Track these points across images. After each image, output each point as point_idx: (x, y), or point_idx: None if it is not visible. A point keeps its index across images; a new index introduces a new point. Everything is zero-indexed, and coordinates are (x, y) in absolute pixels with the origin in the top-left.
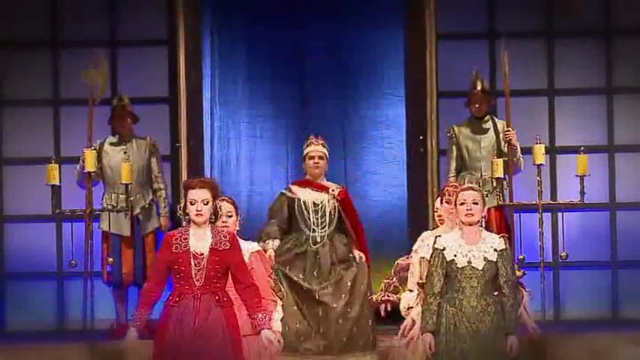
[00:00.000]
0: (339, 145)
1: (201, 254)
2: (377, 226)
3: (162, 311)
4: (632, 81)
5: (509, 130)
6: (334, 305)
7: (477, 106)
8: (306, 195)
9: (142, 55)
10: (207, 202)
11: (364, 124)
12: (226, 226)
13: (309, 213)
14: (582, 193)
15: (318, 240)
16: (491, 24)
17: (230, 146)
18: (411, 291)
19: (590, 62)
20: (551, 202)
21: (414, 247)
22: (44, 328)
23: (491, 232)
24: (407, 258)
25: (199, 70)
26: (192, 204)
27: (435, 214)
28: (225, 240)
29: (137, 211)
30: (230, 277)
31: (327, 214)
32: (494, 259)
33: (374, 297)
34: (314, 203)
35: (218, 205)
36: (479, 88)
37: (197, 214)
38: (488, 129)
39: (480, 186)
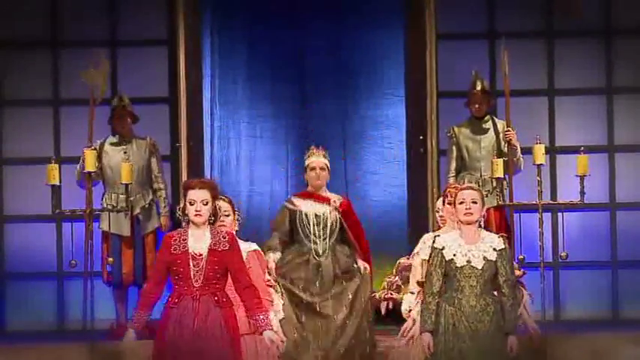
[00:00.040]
0: (339, 145)
1: (200, 255)
2: (377, 226)
3: (162, 312)
4: (632, 81)
5: (509, 130)
6: (334, 317)
7: (477, 106)
8: (307, 207)
9: (142, 55)
10: (207, 203)
11: (364, 124)
12: (223, 225)
13: (310, 225)
14: (582, 193)
15: (320, 252)
16: (491, 24)
17: (230, 146)
18: (412, 293)
19: (590, 62)
20: (551, 202)
21: (416, 250)
22: (44, 328)
23: (490, 232)
24: (409, 258)
25: (199, 70)
26: (191, 204)
27: (437, 215)
28: (225, 240)
29: (137, 211)
30: (230, 277)
31: (329, 225)
32: (494, 259)
33: (376, 294)
34: (315, 215)
35: (217, 206)
36: (479, 88)
37: (196, 215)
38: (488, 129)
39: (479, 186)
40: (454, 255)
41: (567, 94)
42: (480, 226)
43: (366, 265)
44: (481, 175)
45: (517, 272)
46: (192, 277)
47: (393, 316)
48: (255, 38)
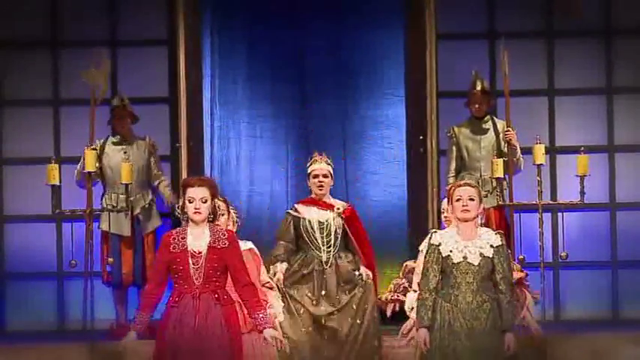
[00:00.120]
0: (339, 145)
1: (200, 253)
2: (377, 226)
3: (163, 311)
4: (632, 81)
5: (509, 130)
6: (340, 329)
7: (477, 106)
8: (311, 214)
9: (142, 55)
10: (206, 201)
11: (364, 124)
12: (217, 225)
13: (314, 232)
14: (582, 193)
15: (325, 260)
16: (491, 24)
17: (230, 146)
18: (415, 291)
19: (590, 62)
20: (551, 202)
21: (420, 248)
22: (44, 328)
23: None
24: (415, 261)
25: (199, 70)
26: (190, 202)
27: (443, 215)
28: (224, 238)
29: (137, 211)
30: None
31: (333, 232)
32: (491, 255)
33: (382, 297)
34: (319, 222)
35: (217, 205)
36: (479, 88)
37: (195, 212)
38: (488, 129)
39: (479, 186)
40: (450, 251)
41: (567, 94)
42: (481, 225)
43: (369, 272)
44: (481, 175)
45: (520, 274)
46: (192, 275)
47: (400, 318)
48: (255, 38)
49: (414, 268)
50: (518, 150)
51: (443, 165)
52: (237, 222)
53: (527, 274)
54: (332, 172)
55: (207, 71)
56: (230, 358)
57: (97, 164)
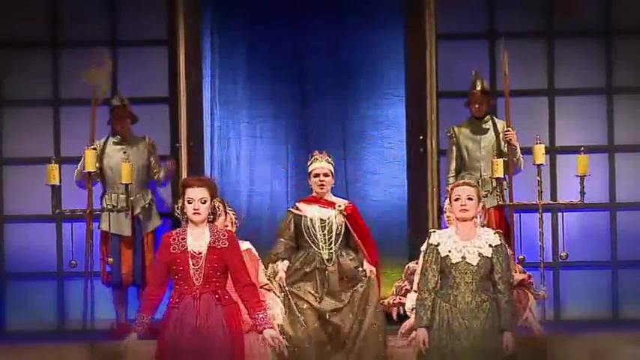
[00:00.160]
0: (339, 145)
1: (199, 253)
2: (377, 226)
3: (164, 312)
4: (632, 81)
5: (509, 130)
6: (342, 325)
7: (477, 106)
8: (313, 212)
9: (142, 55)
10: (205, 201)
11: (364, 124)
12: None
13: (315, 230)
14: (582, 193)
15: (326, 258)
16: (491, 24)
17: (230, 146)
18: (415, 292)
19: (590, 62)
20: (551, 202)
21: (422, 248)
22: (44, 328)
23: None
24: (417, 262)
25: (199, 70)
26: (189, 202)
27: (445, 215)
28: (224, 238)
29: (137, 210)
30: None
31: (334, 230)
32: (489, 255)
33: (385, 301)
34: (321, 220)
35: (216, 205)
36: (479, 88)
37: (194, 213)
38: (488, 129)
39: (479, 186)
40: (449, 251)
41: (567, 94)
42: (483, 225)
43: (372, 269)
44: (481, 175)
45: (523, 275)
46: (192, 275)
47: (405, 319)
48: (255, 38)
49: (415, 270)
50: (518, 150)
51: (443, 165)
52: (235, 223)
53: (530, 276)
54: (333, 170)
55: (207, 71)
56: (232, 358)
57: (97, 164)
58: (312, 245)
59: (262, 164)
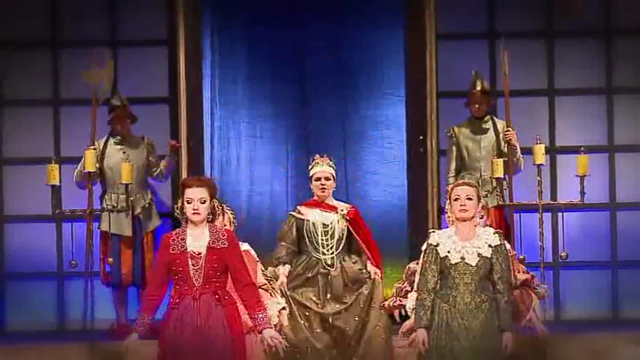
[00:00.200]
0: (339, 145)
1: (199, 253)
2: (377, 226)
3: (164, 313)
4: (632, 81)
5: (509, 130)
6: (347, 328)
7: (477, 106)
8: (315, 216)
9: (142, 55)
10: (204, 201)
11: (364, 124)
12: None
13: (318, 234)
14: (582, 193)
15: (329, 262)
16: (491, 24)
17: (230, 146)
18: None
19: (590, 62)
20: (551, 202)
21: (423, 248)
22: (44, 328)
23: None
24: (418, 263)
25: (199, 70)
26: (189, 202)
27: (446, 215)
28: (223, 238)
29: (138, 210)
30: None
31: (337, 234)
32: (489, 255)
33: (386, 303)
34: (323, 224)
35: (216, 205)
36: (479, 88)
37: (194, 213)
38: (488, 129)
39: (479, 186)
40: (448, 252)
41: (567, 94)
42: (484, 225)
43: (377, 270)
44: (481, 175)
45: (526, 275)
46: (191, 276)
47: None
48: (255, 38)
49: (416, 270)
50: (518, 150)
51: (443, 165)
52: (233, 222)
53: (534, 276)
54: (334, 174)
55: (207, 71)
56: (233, 359)
57: (97, 164)
58: (314, 250)
59: (262, 164)
